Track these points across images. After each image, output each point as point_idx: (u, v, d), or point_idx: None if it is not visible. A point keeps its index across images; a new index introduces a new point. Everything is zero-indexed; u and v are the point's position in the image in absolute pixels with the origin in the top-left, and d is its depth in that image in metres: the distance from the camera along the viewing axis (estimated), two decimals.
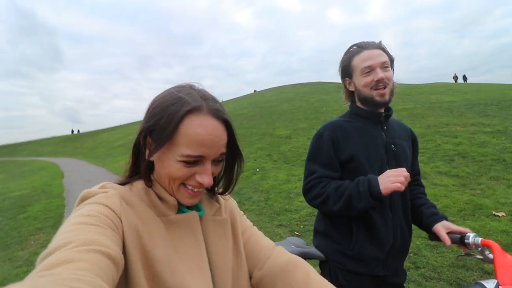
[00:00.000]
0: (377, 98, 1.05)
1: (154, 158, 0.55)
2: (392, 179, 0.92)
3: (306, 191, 1.10)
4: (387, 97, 1.05)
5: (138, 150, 0.58)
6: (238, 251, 0.64)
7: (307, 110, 13.02)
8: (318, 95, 17.25)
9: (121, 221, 0.47)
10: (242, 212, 0.72)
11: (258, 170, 6.47)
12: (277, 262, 0.63)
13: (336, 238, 1.11)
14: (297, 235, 3.35)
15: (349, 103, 1.19)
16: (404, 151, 1.12)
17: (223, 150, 0.55)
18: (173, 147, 0.51)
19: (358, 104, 1.14)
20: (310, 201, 1.10)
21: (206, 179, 0.53)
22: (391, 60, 1.09)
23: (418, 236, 2.90)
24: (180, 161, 0.51)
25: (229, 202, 0.70)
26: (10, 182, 12.76)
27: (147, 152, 0.55)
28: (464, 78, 28.42)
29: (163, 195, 0.56)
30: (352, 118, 1.14)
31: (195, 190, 0.55)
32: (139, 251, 0.47)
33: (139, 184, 0.56)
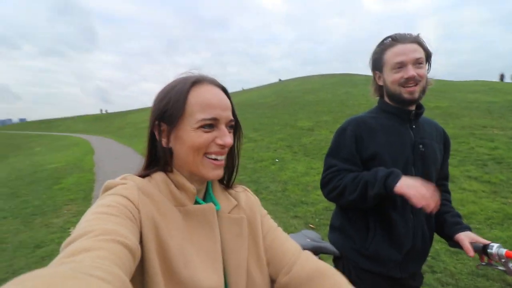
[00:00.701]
0: (406, 95, 1.01)
1: (172, 141, 0.56)
2: (416, 191, 0.85)
3: (324, 185, 1.09)
4: (416, 94, 1.00)
5: (153, 141, 0.59)
6: (255, 252, 0.62)
7: (332, 103, 12.67)
8: (345, 88, 16.67)
9: (139, 212, 0.49)
10: (265, 212, 0.70)
11: (277, 160, 6.48)
12: (305, 269, 0.60)
13: (352, 235, 1.10)
14: (312, 228, 3.37)
15: (377, 98, 1.15)
16: (434, 152, 1.07)
17: (231, 116, 0.58)
18: (188, 118, 0.54)
19: (387, 99, 1.10)
20: (327, 194, 1.09)
21: (227, 139, 0.56)
22: (428, 55, 1.03)
23: (438, 240, 2.78)
24: (198, 128, 0.54)
25: (250, 199, 0.69)
26: (47, 155, 13.87)
27: (163, 140, 0.57)
28: None
29: (183, 183, 0.57)
30: (379, 114, 1.10)
31: (218, 158, 0.57)
32: (155, 241, 0.49)
33: (158, 176, 0.57)
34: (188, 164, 0.56)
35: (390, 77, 1.03)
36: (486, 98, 9.61)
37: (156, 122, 0.57)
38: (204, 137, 0.54)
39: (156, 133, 0.57)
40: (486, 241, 0.94)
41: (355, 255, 1.08)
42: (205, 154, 0.56)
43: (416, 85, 1.00)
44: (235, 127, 0.62)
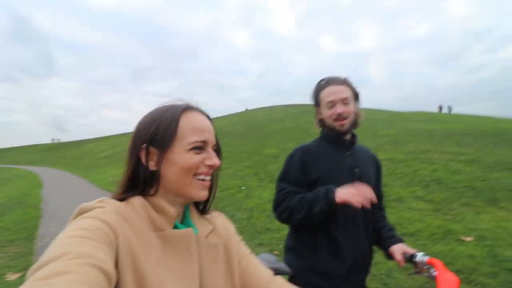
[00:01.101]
0: (338, 128, 1.18)
1: (161, 163, 0.57)
2: (353, 193, 0.99)
3: (276, 207, 1.19)
4: (346, 127, 1.17)
5: (136, 165, 0.59)
6: (230, 277, 0.63)
7: (296, 131, 13.31)
8: (307, 117, 17.70)
9: (116, 237, 0.48)
10: (240, 238, 0.72)
11: (244, 188, 6.50)
12: None
13: (303, 253, 1.18)
14: (277, 255, 3.39)
15: (320, 128, 1.31)
16: (367, 175, 1.22)
17: (215, 141, 0.62)
18: (179, 141, 0.57)
19: (327, 130, 1.26)
20: (279, 216, 1.18)
21: (215, 160, 0.60)
22: (356, 94, 1.22)
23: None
24: (190, 149, 0.57)
25: (226, 224, 0.71)
26: None
27: (151, 163, 0.58)
28: (449, 109, 28.85)
29: (163, 206, 0.57)
30: (322, 142, 1.26)
31: (206, 179, 0.60)
32: (131, 269, 0.48)
33: (136, 200, 0.57)
34: (177, 186, 0.58)
35: (325, 113, 1.20)
36: (427, 126, 10.91)
37: (144, 146, 0.58)
38: (195, 158, 0.57)
39: (143, 157, 0.58)
40: (413, 251, 1.05)
41: (306, 273, 1.15)
42: (194, 175, 0.58)
43: (344, 119, 1.16)
44: (217, 151, 0.65)
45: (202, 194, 0.60)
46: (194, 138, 0.57)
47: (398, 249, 1.10)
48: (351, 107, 1.18)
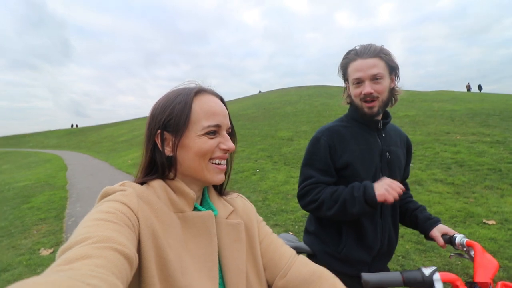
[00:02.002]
0: (366, 110, 1.06)
1: (176, 149, 0.57)
2: (389, 189, 0.94)
3: (301, 196, 1.11)
4: (375, 109, 1.04)
5: (153, 150, 0.59)
6: (253, 256, 0.63)
7: (310, 113, 13.08)
8: (322, 99, 17.30)
9: (138, 219, 0.49)
10: (261, 218, 0.72)
11: (258, 170, 6.56)
12: (301, 273, 0.62)
13: (325, 239, 1.14)
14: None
15: (348, 104, 1.18)
16: (398, 158, 1.13)
17: (229, 123, 0.62)
18: (193, 126, 0.57)
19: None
20: (304, 206, 1.11)
21: (230, 144, 0.59)
22: (392, 67, 1.04)
23: (408, 240, 2.97)
24: (203, 134, 0.57)
25: (246, 205, 0.70)
26: (15, 172, 13.01)
27: (167, 149, 0.58)
28: (479, 87, 27.38)
29: (183, 189, 0.57)
30: (350, 122, 1.14)
31: (222, 163, 0.60)
32: (153, 250, 0.48)
33: (156, 183, 0.58)
34: (193, 170, 0.58)
35: (353, 90, 1.08)
36: (449, 107, 10.40)
37: (159, 132, 0.58)
38: (209, 143, 0.57)
39: (159, 143, 0.58)
40: (452, 232, 1.02)
41: (327, 258, 1.13)
42: (210, 159, 0.58)
43: (374, 100, 1.03)
44: (232, 134, 0.65)
45: (219, 178, 0.60)
46: (207, 123, 0.57)
47: (438, 232, 1.04)
48: (383, 85, 1.03)
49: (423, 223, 1.11)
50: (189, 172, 0.59)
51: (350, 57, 1.07)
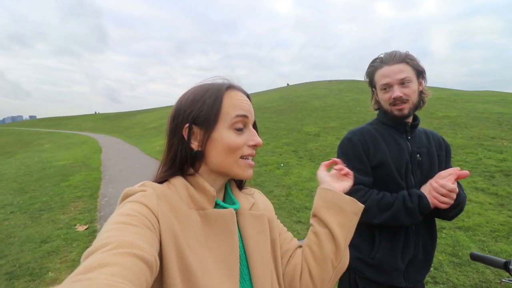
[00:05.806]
0: (396, 113, 1.07)
1: (205, 143, 0.57)
2: (442, 195, 0.92)
3: None
4: (405, 111, 1.06)
5: (178, 146, 0.58)
6: (275, 248, 0.66)
7: (339, 109, 12.65)
8: (353, 94, 16.62)
9: (158, 221, 0.49)
10: (276, 216, 0.74)
11: (282, 165, 6.49)
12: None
13: (358, 245, 1.11)
14: None
15: (376, 110, 1.20)
16: (429, 160, 1.11)
17: (254, 119, 0.63)
18: (223, 120, 0.57)
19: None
20: None
21: (258, 139, 0.60)
22: (419, 71, 1.07)
23: (442, 251, 2.77)
24: (232, 125, 0.57)
25: (264, 199, 0.73)
26: (55, 152, 14.15)
27: (194, 143, 0.57)
28: None
29: (203, 186, 0.57)
30: (379, 126, 1.16)
31: (250, 159, 0.60)
32: (174, 251, 0.48)
33: (177, 181, 0.57)
34: (221, 165, 0.58)
35: (381, 96, 1.11)
36: (496, 109, 9.46)
37: (187, 125, 0.57)
38: (239, 139, 0.57)
39: (186, 137, 0.57)
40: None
41: (360, 265, 1.10)
42: (240, 157, 0.59)
43: (404, 103, 1.05)
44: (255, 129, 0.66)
45: (249, 173, 0.60)
46: (236, 112, 0.57)
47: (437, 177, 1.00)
48: (412, 88, 1.05)
49: None
50: (217, 167, 0.58)
51: (376, 64, 1.11)
